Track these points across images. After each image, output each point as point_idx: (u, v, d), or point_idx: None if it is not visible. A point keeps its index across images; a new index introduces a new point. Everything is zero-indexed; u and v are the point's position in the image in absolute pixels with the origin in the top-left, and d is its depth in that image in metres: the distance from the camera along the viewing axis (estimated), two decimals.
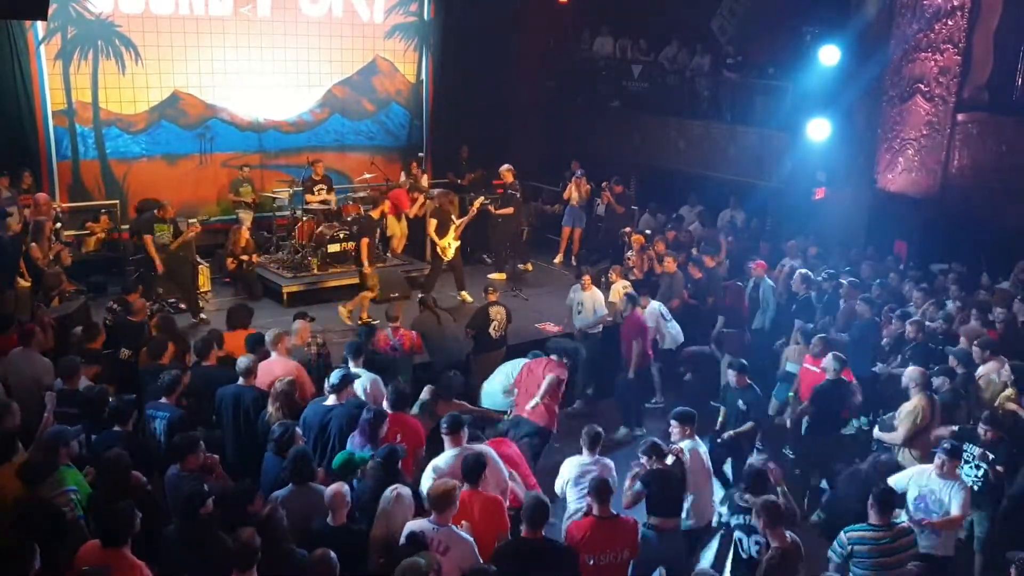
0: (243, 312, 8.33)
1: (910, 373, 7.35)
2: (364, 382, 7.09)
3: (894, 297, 10.01)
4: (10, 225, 9.49)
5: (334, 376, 6.51)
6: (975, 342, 8.05)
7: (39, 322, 7.60)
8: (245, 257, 11.44)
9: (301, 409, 6.58)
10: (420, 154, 14.79)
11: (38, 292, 9.09)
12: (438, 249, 11.40)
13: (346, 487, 5.24)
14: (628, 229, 12.26)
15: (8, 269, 8.98)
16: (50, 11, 9.39)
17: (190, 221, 10.71)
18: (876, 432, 7.40)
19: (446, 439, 5.86)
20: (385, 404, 6.52)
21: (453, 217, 11.56)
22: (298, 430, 5.93)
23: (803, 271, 10.06)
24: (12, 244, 9.26)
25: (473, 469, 5.34)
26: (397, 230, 13.11)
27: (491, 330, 9.05)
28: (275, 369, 7.03)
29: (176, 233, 10.26)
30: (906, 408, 7.15)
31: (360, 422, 6.02)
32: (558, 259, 13.84)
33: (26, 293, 9.02)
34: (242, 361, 6.75)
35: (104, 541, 4.67)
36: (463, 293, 11.60)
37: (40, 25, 11.56)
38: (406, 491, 5.16)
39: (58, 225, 10.70)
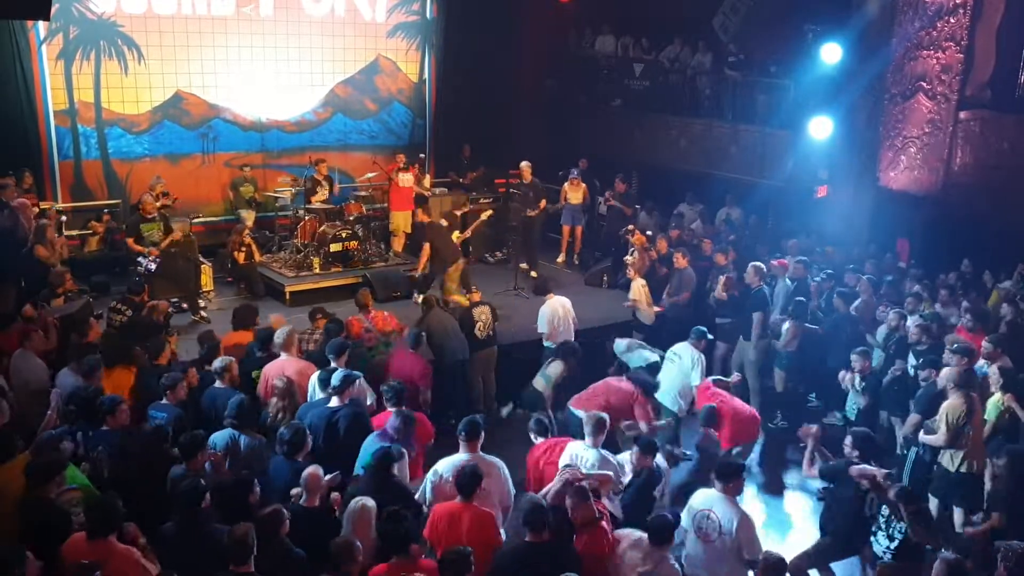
0: (249, 312, 8.28)
1: (946, 374, 7.17)
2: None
3: (896, 296, 10.03)
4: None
5: (335, 378, 6.48)
6: (987, 338, 8.00)
7: (42, 322, 7.61)
8: (244, 250, 11.49)
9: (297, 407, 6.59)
10: (421, 155, 14.80)
11: (41, 292, 9.10)
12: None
13: (321, 470, 5.33)
14: (632, 227, 12.25)
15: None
16: (52, 11, 9.40)
17: (177, 219, 10.72)
18: (921, 436, 7.19)
19: (462, 444, 5.81)
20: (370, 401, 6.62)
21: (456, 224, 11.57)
22: (307, 432, 5.88)
23: (755, 264, 9.92)
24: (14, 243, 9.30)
25: (469, 482, 5.25)
26: (399, 227, 13.12)
27: (476, 331, 9.01)
28: (289, 369, 7.01)
29: (167, 230, 10.28)
30: (942, 408, 6.98)
31: (388, 426, 6.07)
32: (560, 258, 13.84)
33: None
34: (216, 363, 6.72)
35: (89, 533, 4.69)
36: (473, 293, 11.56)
37: (42, 25, 11.58)
38: (371, 503, 5.06)
39: (43, 221, 10.57)
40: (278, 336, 7.29)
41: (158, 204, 11.15)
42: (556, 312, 9.30)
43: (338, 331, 7.81)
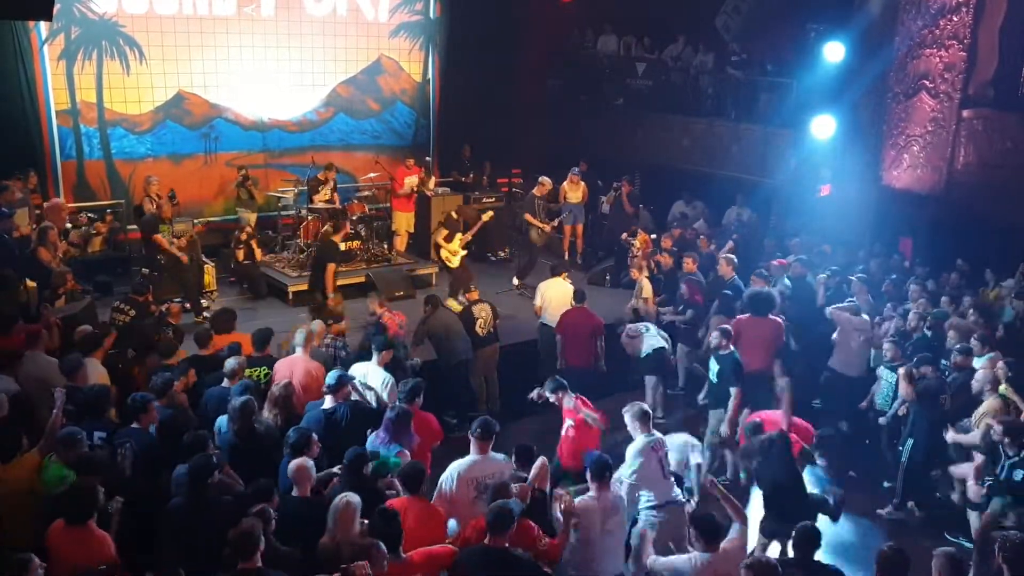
0: (227, 316, 8.16)
1: (982, 377, 7.17)
2: (386, 382, 7.06)
3: (900, 295, 10.02)
4: (18, 227, 9.51)
5: (330, 377, 6.51)
6: (973, 336, 8.04)
7: (45, 322, 7.61)
8: (243, 248, 11.51)
9: (297, 414, 6.57)
10: (428, 158, 14.77)
11: (45, 292, 9.10)
12: (443, 255, 11.36)
13: (310, 462, 5.41)
14: (635, 228, 12.23)
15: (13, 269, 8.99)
16: (54, 11, 9.39)
17: (179, 220, 10.76)
18: (951, 435, 7.15)
19: (473, 443, 5.80)
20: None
21: (461, 227, 11.57)
22: (314, 435, 5.83)
23: (728, 255, 9.99)
24: (17, 245, 9.28)
25: (412, 477, 5.28)
26: (402, 227, 13.11)
27: (477, 328, 9.03)
28: (297, 367, 7.04)
29: (175, 231, 10.37)
30: (981, 410, 7.01)
31: (384, 420, 6.10)
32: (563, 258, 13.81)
33: (33, 292, 9.03)
34: (229, 363, 6.74)
35: (68, 519, 4.74)
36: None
37: (43, 25, 11.57)
38: (355, 498, 4.99)
39: (68, 226, 10.66)
40: (298, 334, 7.34)
41: (172, 204, 11.21)
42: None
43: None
